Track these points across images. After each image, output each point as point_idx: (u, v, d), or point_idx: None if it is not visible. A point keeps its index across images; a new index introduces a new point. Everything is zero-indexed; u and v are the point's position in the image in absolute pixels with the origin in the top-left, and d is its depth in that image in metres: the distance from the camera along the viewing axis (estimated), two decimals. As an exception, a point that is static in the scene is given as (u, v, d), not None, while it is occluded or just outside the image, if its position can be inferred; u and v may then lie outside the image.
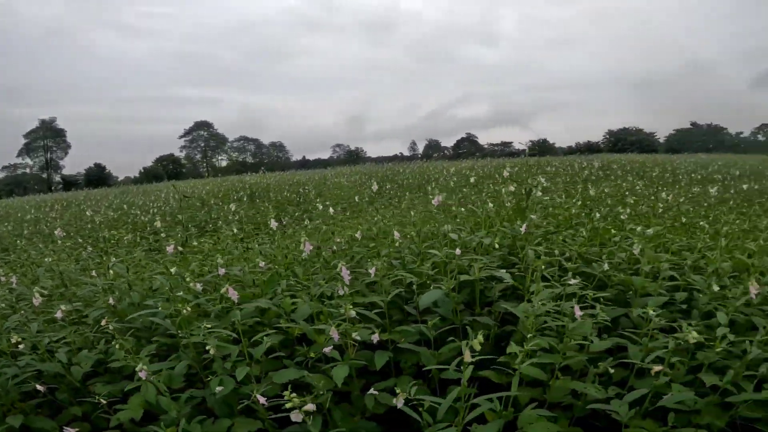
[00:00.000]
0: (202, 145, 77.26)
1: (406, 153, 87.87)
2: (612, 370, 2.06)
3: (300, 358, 2.26)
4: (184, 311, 1.98)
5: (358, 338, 2.10)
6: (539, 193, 2.96)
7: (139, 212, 9.46)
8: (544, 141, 71.15)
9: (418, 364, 2.30)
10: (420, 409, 1.67)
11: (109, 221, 8.39)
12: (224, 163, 78.61)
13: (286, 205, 8.80)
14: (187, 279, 2.32)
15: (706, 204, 5.38)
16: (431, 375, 2.28)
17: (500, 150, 77.98)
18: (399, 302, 2.64)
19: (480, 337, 1.31)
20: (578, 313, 1.77)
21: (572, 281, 2.31)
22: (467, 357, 1.30)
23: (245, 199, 10.12)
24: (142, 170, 63.97)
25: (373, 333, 2.17)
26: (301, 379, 1.98)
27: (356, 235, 2.92)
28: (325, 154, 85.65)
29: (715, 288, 2.38)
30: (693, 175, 9.45)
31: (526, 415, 1.81)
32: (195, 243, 3.72)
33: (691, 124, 53.89)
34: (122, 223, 8.21)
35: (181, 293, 2.18)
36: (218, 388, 1.78)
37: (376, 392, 1.87)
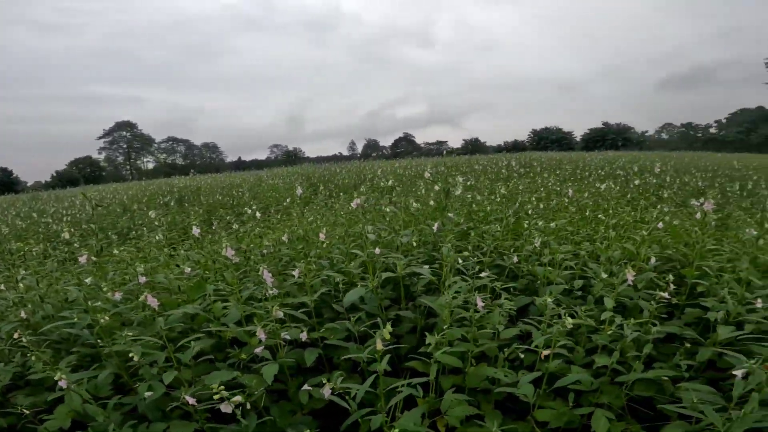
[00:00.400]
0: (125, 146, 71.62)
1: (345, 153, 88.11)
2: (522, 355, 2.29)
3: (233, 360, 2.29)
4: (102, 321, 1.94)
5: (288, 337, 2.18)
6: (459, 192, 3.19)
7: (51, 220, 8.65)
8: (476, 140, 74.72)
9: (353, 360, 2.41)
10: (347, 397, 1.78)
11: (18, 231, 7.63)
12: (151, 166, 73.51)
13: (218, 209, 8.51)
14: (104, 289, 2.25)
15: (609, 198, 6.03)
16: (360, 368, 2.41)
17: (436, 149, 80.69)
18: (328, 301, 2.75)
19: (389, 327, 1.46)
20: (480, 304, 1.97)
21: (483, 274, 2.55)
22: (379, 345, 1.45)
23: (173, 203, 9.61)
24: (55, 174, 57.90)
25: (302, 332, 2.26)
26: (234, 380, 2.02)
27: (283, 238, 2.97)
28: (263, 155, 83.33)
29: (604, 275, 2.69)
30: (599, 171, 10.52)
31: (447, 399, 2.00)
32: (115, 251, 3.54)
33: (603, 124, 59.51)
34: (32, 233, 7.52)
35: (99, 303, 2.12)
36: (147, 393, 1.78)
37: (309, 388, 1.95)
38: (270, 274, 2.05)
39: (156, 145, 75.41)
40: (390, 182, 6.83)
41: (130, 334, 1.91)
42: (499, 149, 58.15)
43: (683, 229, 3.72)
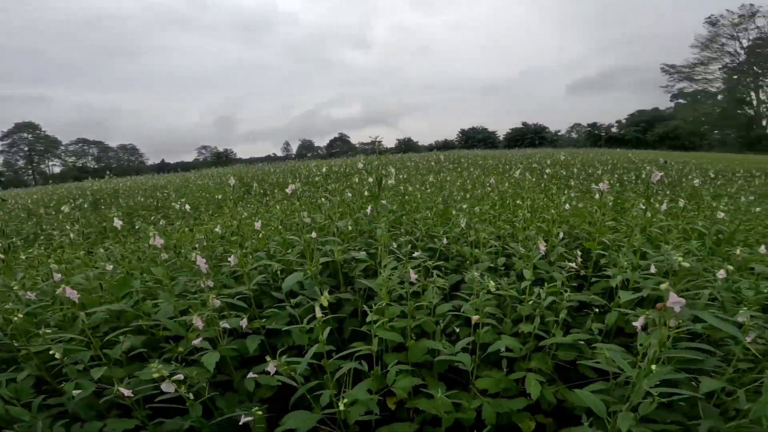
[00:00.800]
0: (26, 149, 63.60)
1: (280, 153, 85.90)
2: (458, 330, 2.46)
3: (169, 356, 2.21)
4: (15, 319, 1.79)
5: (227, 326, 2.15)
6: (392, 181, 3.33)
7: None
8: (409, 139, 76.61)
9: (298, 346, 2.42)
10: (293, 373, 1.80)
11: None
12: (57, 169, 65.91)
13: (139, 211, 7.92)
14: (15, 288, 2.07)
15: (525, 186, 6.59)
16: (305, 352, 2.43)
17: (371, 148, 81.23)
18: (268, 290, 2.75)
19: (326, 295, 1.54)
20: (413, 276, 2.10)
21: (416, 254, 2.71)
22: (318, 314, 1.51)
23: (86, 206, 8.75)
24: (-57, 179, 49.71)
25: (242, 319, 2.25)
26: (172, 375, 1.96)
27: (216, 229, 2.90)
28: (189, 157, 78.39)
29: (522, 250, 2.99)
30: (518, 164, 11.44)
31: (392, 372, 2.10)
32: (22, 256, 3.20)
33: (522, 124, 63.99)
34: None
35: (10, 304, 1.95)
36: (75, 392, 1.68)
37: (255, 375, 1.94)
38: (204, 260, 2.02)
39: (63, 148, 67.82)
40: (324, 171, 6.83)
41: (49, 331, 1.78)
42: (430, 148, 60.08)
43: (587, 211, 4.20)
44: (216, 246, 2.98)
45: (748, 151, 35.67)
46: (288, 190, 2.32)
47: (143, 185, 13.77)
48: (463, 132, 68.51)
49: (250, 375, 1.96)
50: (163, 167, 64.08)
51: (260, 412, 1.58)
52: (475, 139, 64.25)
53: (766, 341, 1.82)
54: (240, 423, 1.59)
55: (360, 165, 3.69)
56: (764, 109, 45.47)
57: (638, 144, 44.78)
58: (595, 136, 54.82)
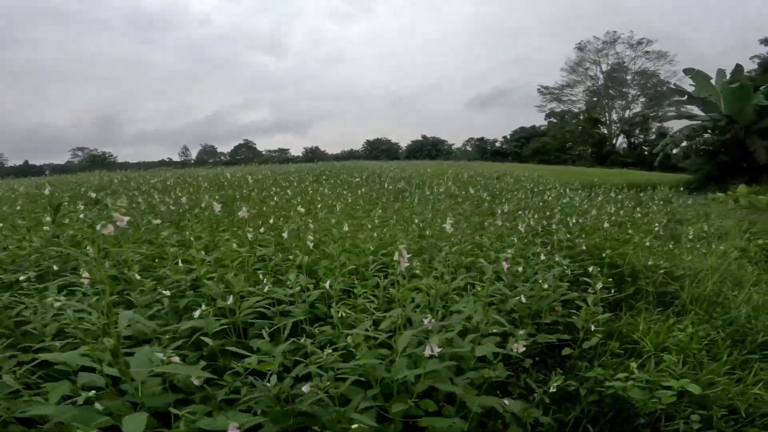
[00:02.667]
0: None
1: (177, 159, 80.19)
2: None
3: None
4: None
5: None
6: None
7: None
8: (317, 148, 77.13)
9: None
10: None
11: None
12: None
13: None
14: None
15: (374, 195, 7.77)
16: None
17: (278, 156, 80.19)
18: None
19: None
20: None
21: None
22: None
23: None
24: None
25: None
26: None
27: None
28: (61, 159, 69.43)
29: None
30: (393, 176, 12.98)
31: None
32: None
33: (421, 137, 68.66)
34: None
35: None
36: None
37: None
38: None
39: None
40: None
41: None
42: (337, 158, 61.30)
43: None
44: None
45: (599, 166, 42.47)
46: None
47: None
48: (368, 142, 71.09)
49: None
50: (26, 170, 56.16)
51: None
52: (379, 149, 67.11)
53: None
54: None
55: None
56: (615, 129, 54.77)
57: (516, 157, 50.99)
58: (482, 150, 60.98)
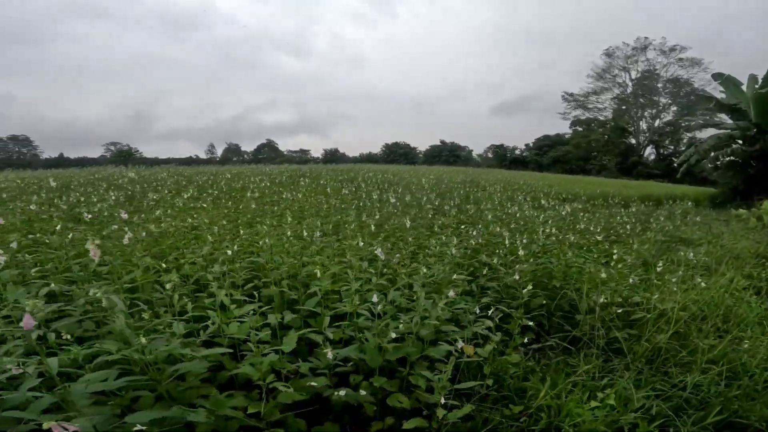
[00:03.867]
0: None
1: (203, 156, 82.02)
2: None
3: None
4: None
5: None
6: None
7: None
8: (336, 150, 77.14)
9: None
10: None
11: None
12: None
13: None
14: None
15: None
16: None
17: (299, 156, 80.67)
18: None
19: None
20: None
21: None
22: None
23: None
24: None
25: None
26: None
27: None
28: (95, 153, 71.90)
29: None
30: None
31: None
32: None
33: (440, 142, 67.35)
34: None
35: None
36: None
37: None
38: None
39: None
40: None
41: None
42: (356, 160, 60.98)
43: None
44: None
45: (624, 177, 40.45)
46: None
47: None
48: (387, 146, 70.35)
49: None
50: (60, 162, 58.18)
51: None
52: (397, 153, 66.31)
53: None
54: None
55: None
56: (643, 139, 52.17)
57: (537, 166, 49.16)
58: (501, 157, 59.24)
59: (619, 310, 3.28)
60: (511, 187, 12.84)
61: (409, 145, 69.79)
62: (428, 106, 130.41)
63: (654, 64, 51.14)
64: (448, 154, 62.11)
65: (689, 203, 13.37)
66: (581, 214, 7.61)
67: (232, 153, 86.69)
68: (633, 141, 51.93)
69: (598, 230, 5.65)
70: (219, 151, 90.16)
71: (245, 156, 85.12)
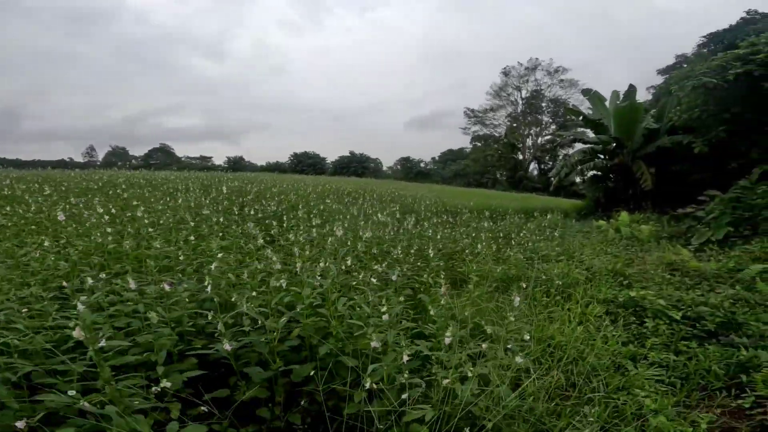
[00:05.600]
0: None
1: (80, 159, 72.99)
2: None
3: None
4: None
5: None
6: None
7: None
8: (241, 158, 72.83)
9: None
10: None
11: None
12: None
13: None
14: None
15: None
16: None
17: (199, 163, 74.20)
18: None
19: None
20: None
21: None
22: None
23: None
24: None
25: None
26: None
27: None
28: (-64, 152, 58.56)
29: None
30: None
31: None
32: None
33: (349, 153, 66.87)
34: None
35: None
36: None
37: None
38: None
39: None
40: None
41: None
42: (262, 169, 57.86)
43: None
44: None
45: (513, 190, 43.39)
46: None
47: None
48: (295, 155, 68.03)
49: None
50: None
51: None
52: (305, 163, 64.46)
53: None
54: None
55: None
56: (528, 155, 56.82)
57: (440, 179, 51.02)
58: (407, 170, 60.74)
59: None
60: (385, 199, 12.28)
61: (318, 155, 68.24)
62: (347, 119, 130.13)
63: (540, 84, 56.21)
64: (357, 166, 61.75)
65: (559, 215, 14.05)
66: (441, 228, 7.07)
67: (117, 157, 77.82)
68: (521, 156, 56.44)
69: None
70: (101, 155, 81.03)
71: (133, 161, 76.83)
